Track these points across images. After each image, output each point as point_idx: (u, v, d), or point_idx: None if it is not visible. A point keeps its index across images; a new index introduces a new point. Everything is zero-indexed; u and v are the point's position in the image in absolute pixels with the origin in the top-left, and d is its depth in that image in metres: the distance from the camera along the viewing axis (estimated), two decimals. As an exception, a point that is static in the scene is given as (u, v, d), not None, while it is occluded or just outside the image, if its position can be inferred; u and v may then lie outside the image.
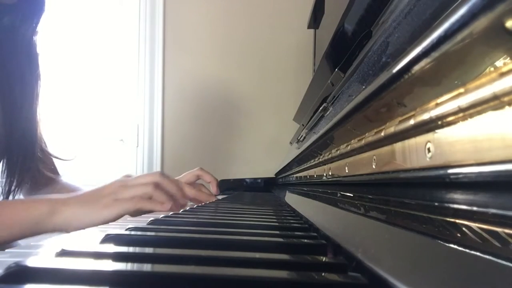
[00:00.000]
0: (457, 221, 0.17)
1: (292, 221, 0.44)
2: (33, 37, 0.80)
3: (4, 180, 0.77)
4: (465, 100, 0.15)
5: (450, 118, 0.17)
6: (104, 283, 0.18)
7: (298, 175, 0.79)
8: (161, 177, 0.65)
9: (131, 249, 0.25)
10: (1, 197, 0.81)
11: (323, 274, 0.20)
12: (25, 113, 0.78)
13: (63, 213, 0.57)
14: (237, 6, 1.84)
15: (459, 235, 0.16)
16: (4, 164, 0.78)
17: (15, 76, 0.77)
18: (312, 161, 0.58)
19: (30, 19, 0.78)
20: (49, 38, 1.62)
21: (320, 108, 0.62)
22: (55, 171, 0.91)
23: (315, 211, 0.43)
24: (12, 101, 0.76)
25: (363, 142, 0.29)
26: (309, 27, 1.41)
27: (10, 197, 0.78)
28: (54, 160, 0.90)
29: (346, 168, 0.36)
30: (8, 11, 0.75)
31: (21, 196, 0.83)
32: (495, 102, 0.13)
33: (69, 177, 0.95)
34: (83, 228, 0.56)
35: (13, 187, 0.77)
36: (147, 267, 0.20)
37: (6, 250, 0.26)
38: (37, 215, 0.56)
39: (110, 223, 0.53)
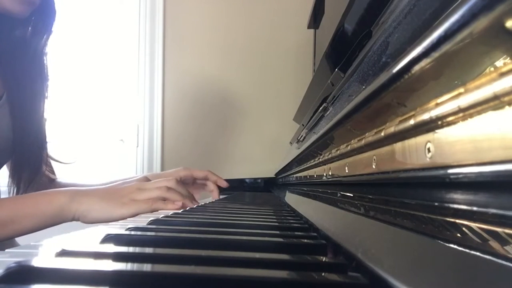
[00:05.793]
0: (457, 221, 0.17)
1: (292, 221, 0.44)
2: (44, 49, 0.84)
3: (10, 181, 0.81)
4: (465, 100, 0.15)
5: (450, 118, 0.17)
6: (104, 283, 0.18)
7: (298, 175, 0.79)
8: (174, 181, 0.71)
9: (131, 249, 0.25)
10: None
11: (323, 274, 0.20)
12: (36, 119, 0.82)
13: (82, 204, 0.62)
14: (237, 7, 1.84)
15: (459, 235, 0.16)
16: (11, 167, 0.81)
17: (26, 85, 0.81)
18: (312, 161, 0.58)
19: (41, 32, 0.82)
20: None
21: (320, 108, 0.62)
22: (53, 172, 0.93)
23: (315, 211, 0.43)
24: (23, 108, 0.80)
25: (363, 142, 0.29)
26: (309, 27, 1.41)
27: None
28: (53, 162, 0.91)
29: (346, 168, 0.36)
30: (19, 25, 0.79)
31: None
32: (495, 102, 0.13)
33: (68, 177, 0.95)
34: (100, 221, 0.61)
35: (21, 190, 0.79)
36: (147, 267, 0.20)
37: (6, 250, 0.26)
38: (58, 205, 0.62)
39: (110, 223, 0.53)
